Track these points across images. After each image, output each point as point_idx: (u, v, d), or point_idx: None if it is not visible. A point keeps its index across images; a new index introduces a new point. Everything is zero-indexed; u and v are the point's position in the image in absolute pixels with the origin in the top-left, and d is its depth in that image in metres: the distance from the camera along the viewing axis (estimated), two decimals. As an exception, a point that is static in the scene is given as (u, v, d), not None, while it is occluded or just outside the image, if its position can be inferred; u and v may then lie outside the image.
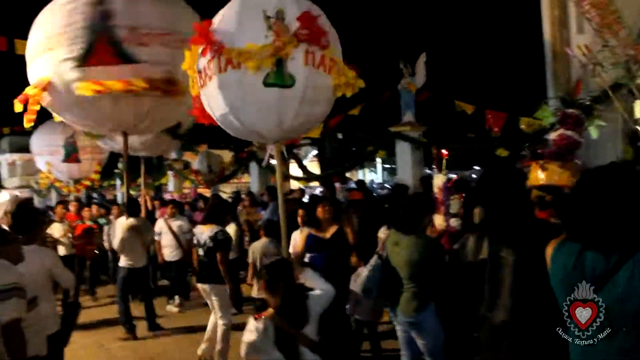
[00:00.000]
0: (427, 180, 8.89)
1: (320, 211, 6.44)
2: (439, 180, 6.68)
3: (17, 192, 22.42)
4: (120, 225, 8.42)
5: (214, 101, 5.27)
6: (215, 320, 7.14)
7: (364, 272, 5.16)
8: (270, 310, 3.65)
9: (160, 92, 7.39)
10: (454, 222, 6.36)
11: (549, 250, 2.50)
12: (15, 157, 36.15)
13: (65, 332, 5.10)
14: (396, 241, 4.92)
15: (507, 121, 10.49)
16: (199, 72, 5.27)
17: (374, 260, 5.04)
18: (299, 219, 7.00)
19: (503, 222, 2.91)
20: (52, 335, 4.81)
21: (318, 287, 4.02)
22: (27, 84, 7.70)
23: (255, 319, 3.58)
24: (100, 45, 7.01)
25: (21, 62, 8.18)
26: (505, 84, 25.09)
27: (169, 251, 9.90)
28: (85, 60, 7.03)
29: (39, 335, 4.38)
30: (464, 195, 6.24)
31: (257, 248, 7.57)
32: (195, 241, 7.26)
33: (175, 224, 9.97)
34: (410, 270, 4.76)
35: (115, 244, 8.41)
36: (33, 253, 4.90)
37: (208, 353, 6.95)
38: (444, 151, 7.89)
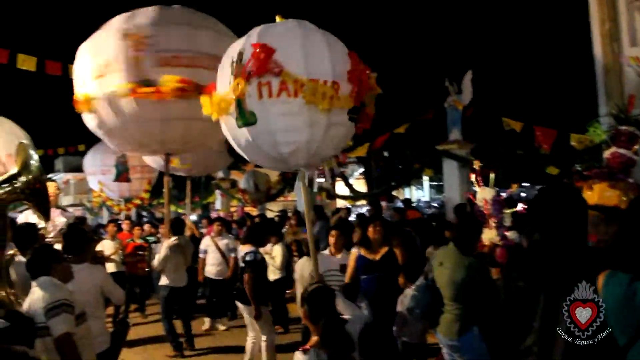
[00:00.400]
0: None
1: (371, 231, 6.31)
2: (485, 193, 6.58)
3: (70, 210, 23.06)
4: (164, 244, 8.53)
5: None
6: (253, 340, 7.24)
7: (410, 291, 5.11)
8: (314, 339, 3.51)
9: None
10: (512, 235, 6.25)
11: (600, 281, 2.40)
12: (69, 176, 37.27)
13: (115, 349, 5.18)
14: (441, 261, 4.86)
15: (557, 138, 10.27)
16: None
17: (419, 280, 4.99)
18: (354, 238, 6.99)
19: (558, 248, 2.72)
20: (102, 353, 4.90)
21: (348, 314, 3.98)
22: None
23: (303, 351, 3.42)
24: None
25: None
26: (554, 100, 24.58)
27: (215, 269, 9.92)
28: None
29: (89, 351, 4.46)
30: (520, 209, 6.14)
31: (304, 265, 7.56)
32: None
33: (222, 242, 10.03)
34: (453, 290, 4.69)
35: (156, 262, 8.51)
36: (84, 271, 5.03)
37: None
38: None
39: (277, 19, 5.25)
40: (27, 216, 6.89)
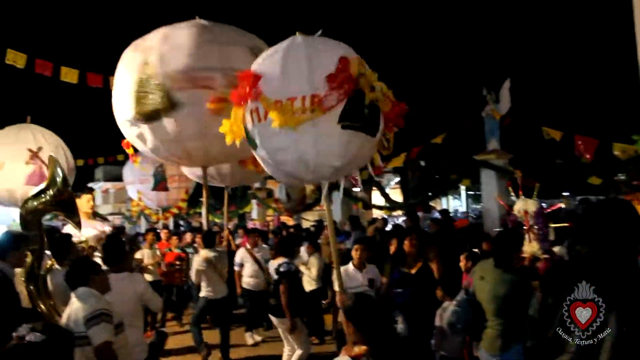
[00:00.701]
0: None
1: (407, 244, 6.23)
2: (527, 205, 6.46)
3: (110, 218, 23.50)
4: (195, 257, 8.58)
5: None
6: (289, 352, 7.24)
7: (450, 307, 5.01)
8: (363, 348, 3.46)
9: None
10: (560, 250, 6.10)
11: None
12: (109, 185, 38.05)
13: (152, 359, 5.22)
14: (482, 275, 4.76)
15: (599, 147, 10.05)
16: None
17: (460, 295, 4.90)
18: (391, 249, 6.94)
19: (607, 267, 2.58)
20: (139, 363, 4.96)
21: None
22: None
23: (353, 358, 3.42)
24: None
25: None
26: (596, 108, 24.11)
27: (253, 281, 9.84)
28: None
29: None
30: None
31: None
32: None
33: (258, 254, 10.03)
34: (495, 306, 4.59)
35: (192, 275, 8.55)
36: (124, 280, 5.09)
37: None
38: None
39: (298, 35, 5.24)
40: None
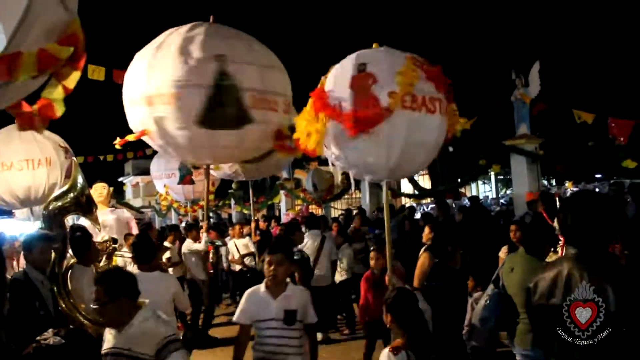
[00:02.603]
0: (548, 197, 8.29)
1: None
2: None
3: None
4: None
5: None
6: None
7: (481, 300, 4.91)
8: (400, 341, 3.62)
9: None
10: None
11: None
12: (138, 179, 38.61)
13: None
14: (512, 266, 4.65)
15: (634, 129, 9.79)
16: None
17: (490, 288, 4.79)
18: (424, 238, 6.92)
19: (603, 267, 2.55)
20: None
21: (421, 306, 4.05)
22: None
23: (393, 352, 3.53)
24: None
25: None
26: (629, 89, 23.48)
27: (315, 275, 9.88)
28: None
29: None
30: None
31: None
32: None
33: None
34: (525, 297, 4.47)
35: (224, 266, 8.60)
36: (155, 279, 5.12)
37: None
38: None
39: (374, 45, 5.44)
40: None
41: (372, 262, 6.57)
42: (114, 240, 6.48)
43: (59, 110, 3.24)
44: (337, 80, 5.13)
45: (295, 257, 6.98)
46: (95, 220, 5.75)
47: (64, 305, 4.93)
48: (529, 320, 3.20)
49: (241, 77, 6.76)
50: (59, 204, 5.24)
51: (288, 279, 4.44)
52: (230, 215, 23.28)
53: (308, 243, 8.68)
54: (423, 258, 6.36)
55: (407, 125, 4.95)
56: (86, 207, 5.51)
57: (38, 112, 3.11)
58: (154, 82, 6.69)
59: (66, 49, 2.78)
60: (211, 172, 10.35)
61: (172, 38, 6.91)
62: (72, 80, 3.12)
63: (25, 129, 3.27)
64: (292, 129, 6.74)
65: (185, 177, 14.41)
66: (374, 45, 5.44)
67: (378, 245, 7.42)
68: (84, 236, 5.79)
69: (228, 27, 7.42)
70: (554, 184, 30.53)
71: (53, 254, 5.10)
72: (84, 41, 2.96)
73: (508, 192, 32.75)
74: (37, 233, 5.39)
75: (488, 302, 4.73)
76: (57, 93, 3.18)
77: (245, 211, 18.35)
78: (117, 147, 7.71)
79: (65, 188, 5.51)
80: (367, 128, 4.86)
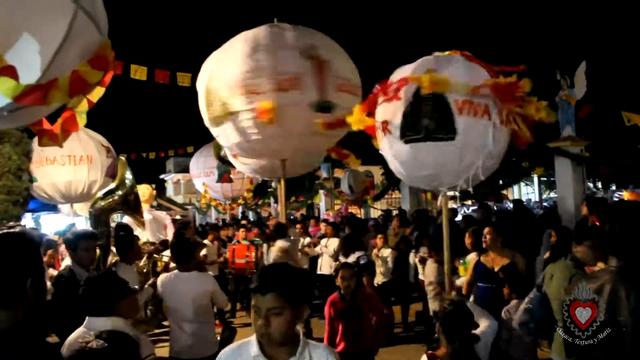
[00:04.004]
0: (595, 202, 8.03)
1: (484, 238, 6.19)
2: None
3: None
4: (272, 248, 8.65)
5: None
6: None
7: (522, 304, 4.81)
8: (444, 351, 3.66)
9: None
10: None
11: None
12: (179, 176, 39.23)
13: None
14: (552, 273, 4.54)
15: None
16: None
17: (532, 292, 4.68)
18: (466, 242, 6.82)
19: None
20: (210, 357, 5.02)
21: (482, 323, 4.08)
22: (191, 113, 8.18)
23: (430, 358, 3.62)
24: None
25: (182, 91, 8.78)
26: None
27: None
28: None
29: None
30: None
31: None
32: None
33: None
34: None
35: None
36: (193, 279, 5.20)
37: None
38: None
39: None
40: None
41: (341, 283, 5.40)
42: (153, 243, 6.62)
43: (81, 123, 3.33)
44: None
45: (361, 262, 7.01)
46: (140, 220, 5.89)
47: None
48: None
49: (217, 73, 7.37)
50: (106, 202, 5.38)
51: (300, 329, 2.58)
52: (270, 214, 23.44)
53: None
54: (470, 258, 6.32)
55: (479, 132, 4.95)
56: (134, 205, 5.64)
57: (61, 125, 3.19)
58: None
59: (97, 74, 2.84)
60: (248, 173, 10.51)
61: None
62: (96, 94, 3.21)
63: (46, 145, 3.35)
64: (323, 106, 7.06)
65: (224, 175, 14.56)
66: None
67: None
68: (128, 235, 5.91)
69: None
70: (600, 187, 29.85)
71: (98, 251, 5.23)
72: (112, 61, 3.04)
73: (552, 194, 32.08)
74: (82, 231, 5.51)
75: (530, 305, 4.63)
76: (81, 105, 3.26)
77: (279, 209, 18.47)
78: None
79: (111, 187, 5.67)
80: None
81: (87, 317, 3.42)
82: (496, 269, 6.02)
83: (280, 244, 8.53)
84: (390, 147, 5.25)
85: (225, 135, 8.02)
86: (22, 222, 21.15)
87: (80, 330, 3.34)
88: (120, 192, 5.51)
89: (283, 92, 7.15)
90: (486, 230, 6.20)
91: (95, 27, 2.87)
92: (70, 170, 9.04)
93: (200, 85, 7.90)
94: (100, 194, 5.69)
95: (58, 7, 2.61)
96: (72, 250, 5.07)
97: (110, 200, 5.49)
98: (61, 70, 2.68)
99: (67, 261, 5.55)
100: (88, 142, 8.92)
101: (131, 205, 5.64)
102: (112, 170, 9.52)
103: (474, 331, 3.93)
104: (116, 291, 3.55)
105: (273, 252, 8.51)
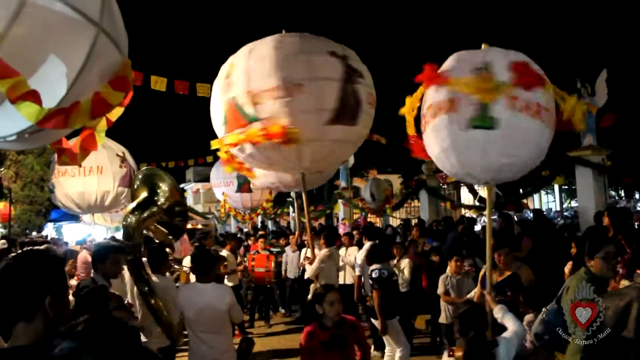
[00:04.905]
0: (617, 213, 7.91)
1: (497, 259, 6.13)
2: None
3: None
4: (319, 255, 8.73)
5: (430, 142, 5.71)
6: (389, 353, 7.29)
7: (539, 315, 4.72)
8: (460, 352, 3.77)
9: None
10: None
11: None
12: (199, 185, 39.48)
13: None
14: (568, 285, 4.46)
15: None
16: (422, 116, 5.77)
17: (551, 304, 4.60)
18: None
19: None
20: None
21: (510, 328, 4.16)
22: (211, 123, 8.00)
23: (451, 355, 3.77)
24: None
25: (201, 101, 8.83)
26: None
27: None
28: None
29: None
30: None
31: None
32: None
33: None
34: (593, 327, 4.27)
35: (309, 273, 8.65)
36: (211, 290, 5.21)
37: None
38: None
39: (483, 46, 5.65)
40: None
41: (328, 309, 4.52)
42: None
43: (100, 141, 3.38)
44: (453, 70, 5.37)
45: (374, 276, 6.99)
46: (161, 232, 5.91)
47: (153, 302, 5.15)
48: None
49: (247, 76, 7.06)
50: (138, 216, 5.41)
51: None
52: (288, 223, 23.48)
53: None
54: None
55: (523, 130, 5.15)
56: (173, 212, 5.70)
57: (80, 144, 3.25)
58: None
59: (118, 95, 2.89)
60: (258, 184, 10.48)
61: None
62: (116, 114, 3.26)
63: (65, 163, 3.42)
64: None
65: (243, 185, 14.62)
66: (483, 46, 5.62)
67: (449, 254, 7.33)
68: (161, 248, 5.96)
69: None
70: (623, 196, 29.47)
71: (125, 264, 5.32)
72: (132, 81, 3.09)
73: (573, 203, 31.73)
74: (110, 244, 5.60)
75: (546, 317, 4.55)
76: (100, 124, 3.32)
77: (303, 219, 18.42)
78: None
79: (140, 199, 5.68)
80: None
81: None
82: (499, 279, 6.02)
83: (327, 250, 8.73)
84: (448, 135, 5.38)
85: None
86: (44, 232, 21.51)
87: None
88: (159, 203, 5.59)
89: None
90: (502, 252, 6.16)
91: (115, 48, 2.91)
92: (81, 182, 9.18)
93: (222, 91, 7.47)
94: (130, 207, 5.66)
95: (80, 29, 2.65)
96: (100, 262, 5.14)
97: (146, 212, 5.53)
98: (83, 91, 2.72)
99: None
100: (99, 153, 8.97)
101: (170, 213, 5.70)
102: (127, 181, 9.60)
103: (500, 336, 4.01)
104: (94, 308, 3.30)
105: (317, 259, 8.58)
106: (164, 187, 5.77)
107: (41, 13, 2.61)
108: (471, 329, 3.81)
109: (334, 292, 4.62)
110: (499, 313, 4.51)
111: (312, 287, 5.70)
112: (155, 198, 5.71)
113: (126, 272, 5.81)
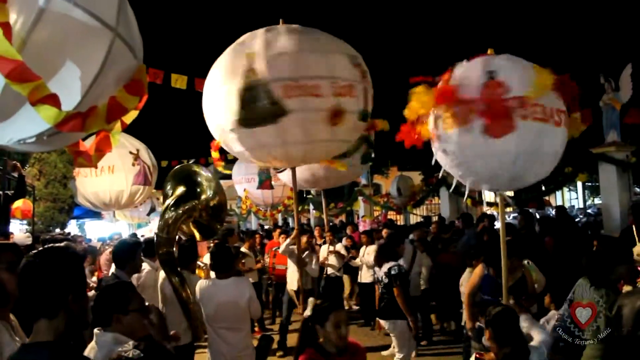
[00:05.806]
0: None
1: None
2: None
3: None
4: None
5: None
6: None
7: (551, 321, 4.65)
8: (491, 355, 3.64)
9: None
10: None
11: None
12: (220, 182, 39.70)
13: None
14: (582, 292, 4.38)
15: None
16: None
17: (563, 308, 4.53)
18: None
19: None
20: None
21: (536, 337, 3.97)
22: None
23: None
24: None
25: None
26: None
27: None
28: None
29: None
30: None
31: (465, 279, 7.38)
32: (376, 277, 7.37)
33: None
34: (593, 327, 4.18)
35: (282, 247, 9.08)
36: (231, 286, 5.25)
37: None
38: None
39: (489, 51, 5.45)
40: None
41: (333, 332, 3.60)
42: None
43: (114, 144, 3.43)
44: (463, 87, 5.06)
45: (393, 273, 6.95)
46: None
47: (184, 294, 5.21)
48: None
49: (270, 69, 6.73)
50: (174, 213, 5.45)
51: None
52: (309, 220, 23.49)
53: None
54: (477, 269, 6.18)
55: (535, 136, 4.91)
56: (215, 212, 5.78)
57: (95, 145, 3.30)
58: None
59: (133, 99, 2.93)
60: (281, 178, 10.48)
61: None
62: (130, 117, 3.30)
63: (81, 165, 3.48)
64: (365, 114, 7.02)
65: (264, 182, 14.60)
66: (489, 51, 5.39)
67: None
68: (192, 245, 6.01)
69: (296, 25, 7.46)
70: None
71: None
72: (146, 85, 3.13)
73: (596, 200, 31.32)
74: (135, 241, 5.69)
75: (560, 322, 4.45)
76: (116, 127, 3.37)
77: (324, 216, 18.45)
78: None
79: (178, 194, 5.70)
80: (497, 136, 4.82)
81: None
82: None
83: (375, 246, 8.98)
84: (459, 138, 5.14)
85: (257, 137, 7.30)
86: (67, 229, 21.80)
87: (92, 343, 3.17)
88: (203, 197, 5.66)
89: (341, 97, 7.00)
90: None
91: (131, 53, 2.94)
92: (93, 182, 9.25)
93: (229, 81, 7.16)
94: (168, 202, 5.65)
95: (97, 35, 2.70)
96: (131, 260, 5.21)
97: (187, 207, 5.56)
98: (99, 95, 2.77)
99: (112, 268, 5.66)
100: (111, 152, 9.08)
101: (211, 211, 5.75)
102: (142, 178, 9.62)
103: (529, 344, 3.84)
104: (116, 305, 3.19)
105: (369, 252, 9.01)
106: (208, 184, 5.82)
107: (60, 19, 2.68)
108: (508, 335, 3.61)
109: (341, 311, 3.76)
110: (525, 323, 4.16)
111: (310, 301, 5.11)
112: (199, 190, 5.75)
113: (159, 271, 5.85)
